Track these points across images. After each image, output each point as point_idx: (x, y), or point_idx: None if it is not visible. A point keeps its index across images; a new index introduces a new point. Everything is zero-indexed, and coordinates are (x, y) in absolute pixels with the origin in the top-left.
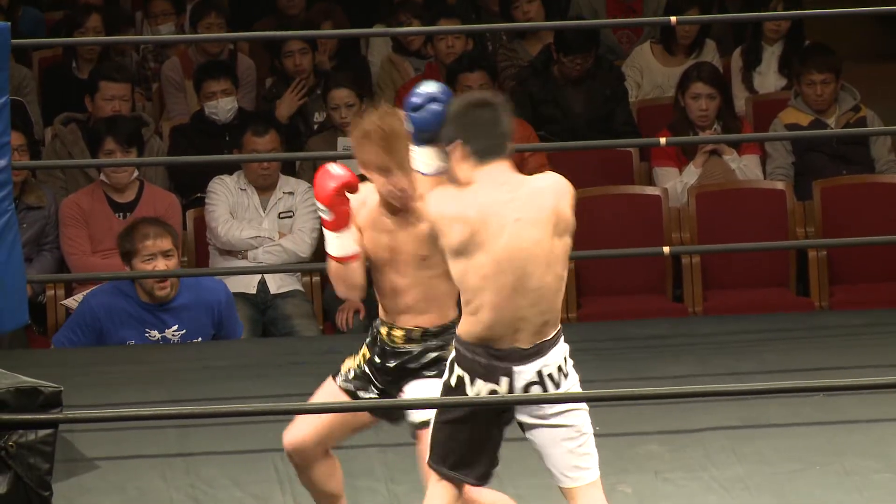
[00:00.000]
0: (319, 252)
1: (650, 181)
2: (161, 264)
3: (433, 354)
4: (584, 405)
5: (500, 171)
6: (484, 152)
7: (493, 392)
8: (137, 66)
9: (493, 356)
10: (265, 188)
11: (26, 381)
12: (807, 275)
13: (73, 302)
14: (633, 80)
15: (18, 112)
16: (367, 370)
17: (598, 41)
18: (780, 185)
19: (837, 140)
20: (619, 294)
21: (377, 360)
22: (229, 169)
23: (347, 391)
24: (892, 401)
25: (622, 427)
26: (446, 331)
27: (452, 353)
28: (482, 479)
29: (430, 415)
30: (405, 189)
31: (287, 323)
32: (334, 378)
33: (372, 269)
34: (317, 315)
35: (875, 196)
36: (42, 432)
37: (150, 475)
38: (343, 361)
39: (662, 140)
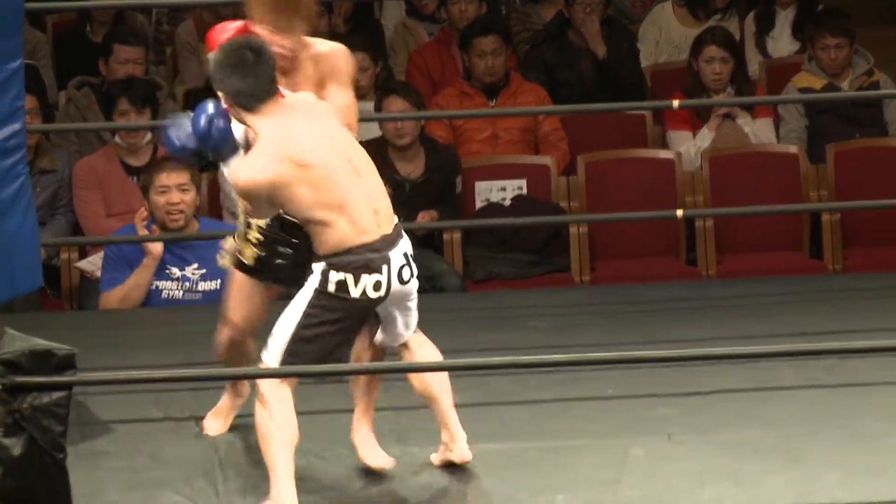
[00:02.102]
0: None
1: (664, 144)
2: (175, 197)
3: None
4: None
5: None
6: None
7: (378, 283)
8: (152, 30)
9: (370, 249)
10: None
11: (40, 343)
12: (820, 238)
13: (87, 264)
14: (652, 37)
15: (32, 76)
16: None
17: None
18: (793, 149)
19: (851, 103)
20: (632, 257)
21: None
22: None
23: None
24: None
25: (634, 390)
26: None
27: (321, 265)
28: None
29: None
30: (294, 50)
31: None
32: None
33: None
34: None
35: (888, 159)
36: (56, 395)
37: (164, 438)
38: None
39: (675, 103)
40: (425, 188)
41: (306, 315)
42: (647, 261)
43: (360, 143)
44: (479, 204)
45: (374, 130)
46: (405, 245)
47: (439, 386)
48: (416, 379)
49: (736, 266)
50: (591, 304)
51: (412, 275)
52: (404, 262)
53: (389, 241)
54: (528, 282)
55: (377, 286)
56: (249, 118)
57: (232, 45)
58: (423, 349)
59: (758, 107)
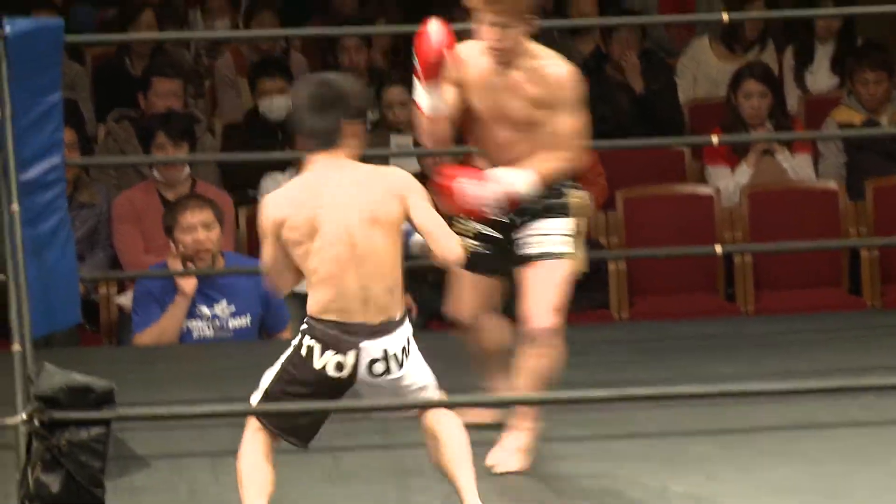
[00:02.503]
0: None
1: (702, 180)
2: (202, 235)
3: (548, 201)
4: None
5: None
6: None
7: (340, 364)
8: (191, 63)
9: (343, 330)
10: None
11: (78, 378)
12: (859, 275)
13: (126, 300)
14: (691, 72)
15: (71, 109)
16: (483, 230)
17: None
18: (832, 185)
19: (891, 139)
20: (670, 294)
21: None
22: (282, 167)
23: (474, 254)
24: None
25: (673, 427)
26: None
27: (304, 325)
28: (306, 444)
29: (552, 248)
30: (505, 47)
31: None
32: None
33: (475, 123)
34: None
35: None
36: (94, 430)
37: (202, 474)
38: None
39: (714, 139)
40: None
41: (282, 370)
42: (686, 297)
43: None
44: None
45: (413, 165)
46: (390, 342)
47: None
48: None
49: (774, 303)
50: (629, 341)
51: (386, 371)
52: (380, 357)
53: (369, 331)
54: (567, 318)
55: (339, 367)
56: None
57: (316, 80)
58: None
59: (797, 142)
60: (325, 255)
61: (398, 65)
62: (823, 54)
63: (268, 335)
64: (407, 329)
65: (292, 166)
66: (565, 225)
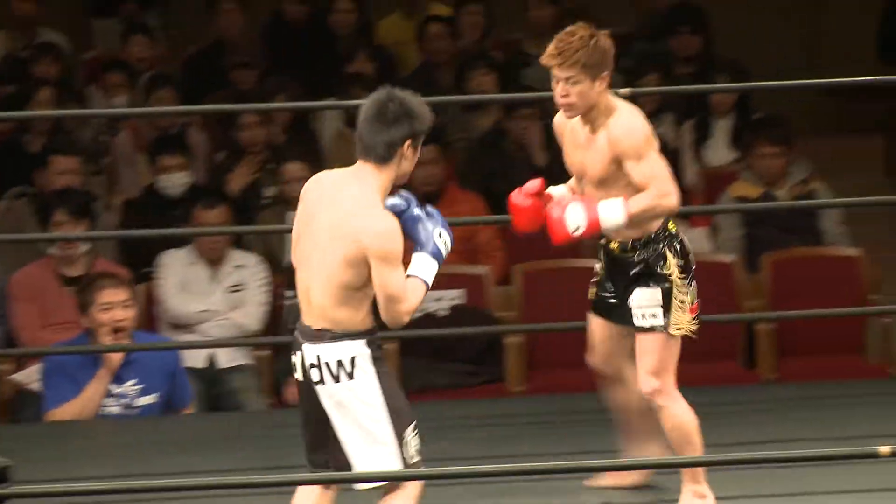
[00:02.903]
0: (269, 325)
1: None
2: (120, 314)
3: (642, 266)
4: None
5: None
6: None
7: (294, 364)
8: (90, 140)
9: (298, 330)
10: (215, 262)
11: None
12: (754, 348)
13: (24, 376)
14: None
15: None
16: (604, 272)
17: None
18: (729, 258)
19: (787, 213)
20: (569, 367)
21: (608, 264)
22: (180, 243)
23: (598, 299)
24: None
25: (572, 498)
26: (651, 241)
27: None
28: (316, 466)
29: (644, 322)
30: (570, 100)
31: (236, 397)
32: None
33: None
34: (267, 388)
35: (824, 268)
36: None
37: None
38: None
39: None
40: None
41: None
42: (584, 370)
43: None
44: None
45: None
46: (326, 351)
47: None
48: None
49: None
50: (526, 415)
51: (321, 380)
52: (314, 363)
53: (307, 334)
54: (464, 392)
55: (293, 367)
56: None
57: (384, 95)
58: None
59: (694, 216)
60: (300, 257)
61: (297, 141)
62: (722, 129)
63: (173, 411)
64: (355, 349)
65: (190, 242)
66: (658, 296)
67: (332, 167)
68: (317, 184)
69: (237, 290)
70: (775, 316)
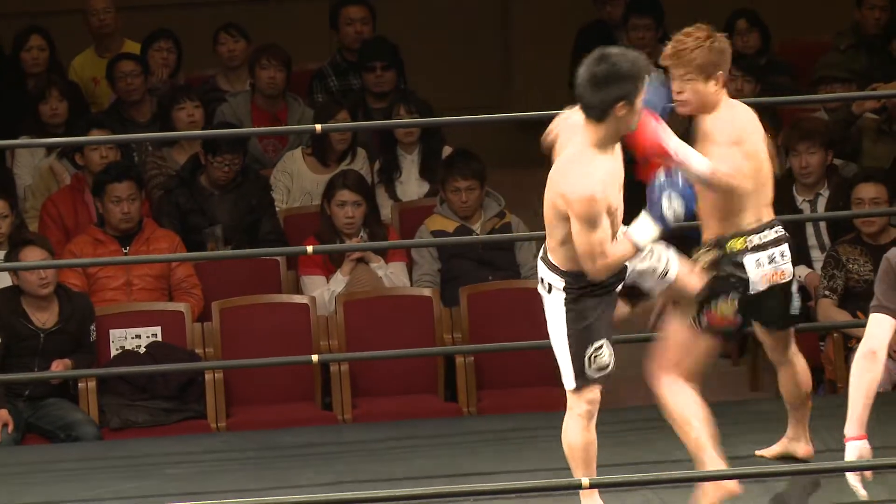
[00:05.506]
0: None
1: (298, 290)
2: None
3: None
4: None
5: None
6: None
7: None
8: None
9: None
10: None
11: None
12: (455, 381)
13: None
14: (284, 185)
15: None
16: None
17: (245, 147)
18: (426, 292)
19: (483, 246)
20: (269, 403)
21: None
22: None
23: None
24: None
25: None
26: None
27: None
28: None
29: None
30: (683, 97)
31: None
32: None
33: None
34: None
35: (521, 301)
36: None
37: None
38: None
39: (309, 248)
40: (59, 337)
41: None
42: (284, 406)
43: None
44: (114, 351)
45: (6, 279)
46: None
47: None
48: None
49: (372, 409)
50: (226, 451)
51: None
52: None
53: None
54: (165, 429)
55: None
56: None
57: (597, 56)
58: None
59: (391, 250)
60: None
61: None
62: (411, 163)
63: None
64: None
65: None
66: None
67: (35, 202)
68: (565, 121)
69: None
70: (469, 349)
